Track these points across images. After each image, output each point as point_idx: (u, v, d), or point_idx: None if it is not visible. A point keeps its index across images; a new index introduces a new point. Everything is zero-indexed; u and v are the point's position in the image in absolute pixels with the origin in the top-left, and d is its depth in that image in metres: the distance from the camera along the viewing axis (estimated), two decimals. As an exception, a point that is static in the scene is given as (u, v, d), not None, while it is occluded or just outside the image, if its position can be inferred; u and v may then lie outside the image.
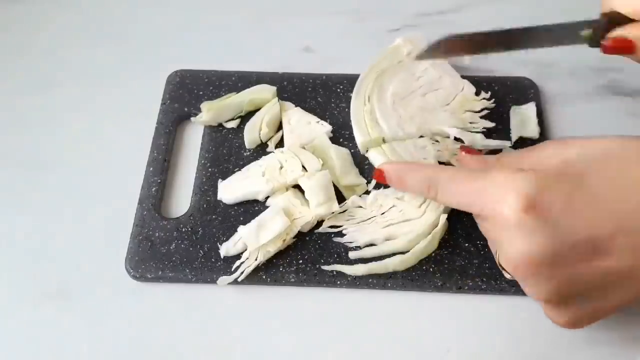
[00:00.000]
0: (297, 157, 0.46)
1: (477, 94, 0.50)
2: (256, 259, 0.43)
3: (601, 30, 0.38)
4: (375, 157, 0.46)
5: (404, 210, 0.44)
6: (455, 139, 0.47)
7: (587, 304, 0.35)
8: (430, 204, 0.44)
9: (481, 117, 0.49)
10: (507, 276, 0.37)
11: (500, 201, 0.33)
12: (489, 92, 0.50)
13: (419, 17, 0.58)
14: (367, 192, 0.46)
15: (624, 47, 0.38)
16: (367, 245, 0.44)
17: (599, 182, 0.33)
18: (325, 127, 0.49)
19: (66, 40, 0.58)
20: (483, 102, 0.49)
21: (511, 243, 0.33)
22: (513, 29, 0.40)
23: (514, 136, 0.48)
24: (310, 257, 0.44)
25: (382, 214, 0.44)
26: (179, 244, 0.44)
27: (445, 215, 0.43)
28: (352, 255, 0.43)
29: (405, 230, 0.43)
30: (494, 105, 0.50)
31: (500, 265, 0.36)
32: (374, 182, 0.46)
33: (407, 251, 0.43)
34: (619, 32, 0.38)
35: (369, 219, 0.44)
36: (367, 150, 0.47)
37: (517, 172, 0.34)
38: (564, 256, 0.33)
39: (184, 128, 0.51)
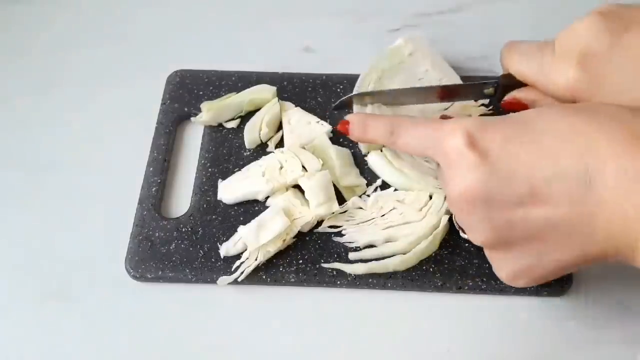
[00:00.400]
0: (297, 157, 0.46)
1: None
2: (256, 259, 0.43)
3: (501, 89, 0.45)
4: (375, 161, 0.46)
5: (404, 213, 0.44)
6: None
7: (526, 256, 0.35)
8: (431, 208, 0.44)
9: None
10: (463, 236, 0.41)
11: (446, 138, 0.35)
12: (488, 99, 0.49)
13: (419, 17, 0.58)
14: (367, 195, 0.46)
15: (518, 107, 0.43)
16: (366, 247, 0.44)
17: (543, 128, 0.33)
18: (325, 127, 0.49)
19: (66, 40, 0.58)
20: (482, 108, 0.49)
21: (453, 179, 0.35)
22: (427, 87, 0.46)
23: None
24: (310, 257, 0.44)
25: (382, 215, 0.44)
26: (179, 244, 0.44)
27: (447, 217, 0.43)
28: (352, 256, 0.43)
29: (405, 232, 0.43)
30: (491, 112, 0.49)
31: (456, 222, 0.41)
32: (375, 184, 0.46)
33: (408, 252, 0.43)
34: (514, 94, 0.44)
35: (369, 220, 0.44)
36: (368, 152, 0.48)
37: (467, 117, 0.37)
38: (501, 197, 0.33)
39: (184, 128, 0.51)
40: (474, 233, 0.36)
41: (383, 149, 0.47)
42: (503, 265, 0.36)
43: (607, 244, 0.32)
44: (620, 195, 0.30)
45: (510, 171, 0.33)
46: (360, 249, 0.44)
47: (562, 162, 0.32)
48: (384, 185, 0.46)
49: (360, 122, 0.42)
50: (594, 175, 0.31)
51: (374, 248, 0.43)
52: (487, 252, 0.37)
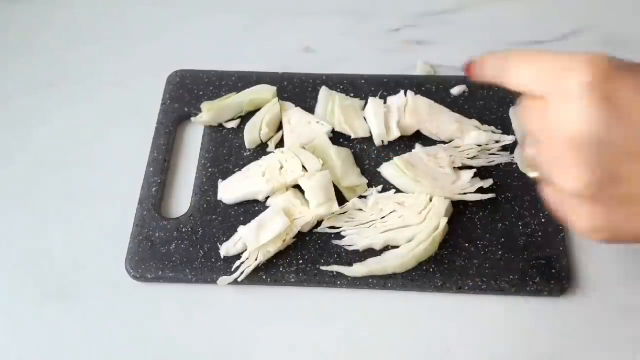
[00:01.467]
0: (297, 157, 0.46)
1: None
2: (256, 259, 0.43)
3: None
4: (389, 172, 0.46)
5: (404, 215, 0.44)
6: None
7: (617, 214, 0.32)
8: (431, 210, 0.44)
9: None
10: (531, 175, 0.36)
11: (573, 71, 0.31)
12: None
13: (419, 17, 0.58)
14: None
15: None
16: (365, 249, 0.44)
17: None
18: (325, 127, 0.49)
19: (66, 40, 0.58)
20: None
21: (566, 116, 0.31)
22: None
23: (517, 136, 0.48)
24: (310, 257, 0.44)
25: (382, 217, 0.44)
26: (179, 244, 0.44)
27: (446, 219, 0.43)
28: (355, 266, 0.43)
29: (405, 235, 0.43)
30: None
31: (524, 164, 0.36)
32: (375, 188, 0.46)
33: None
34: None
35: (368, 222, 0.44)
36: (382, 142, 0.48)
37: (599, 53, 0.32)
38: (616, 145, 0.31)
39: (184, 128, 0.51)
40: (569, 176, 0.32)
41: (395, 158, 0.46)
42: (586, 217, 0.33)
43: None
44: None
45: (636, 122, 0.30)
46: (359, 252, 0.44)
47: None
48: (384, 189, 0.46)
49: (480, 61, 0.37)
50: None
51: (376, 257, 0.43)
52: (570, 200, 0.34)
